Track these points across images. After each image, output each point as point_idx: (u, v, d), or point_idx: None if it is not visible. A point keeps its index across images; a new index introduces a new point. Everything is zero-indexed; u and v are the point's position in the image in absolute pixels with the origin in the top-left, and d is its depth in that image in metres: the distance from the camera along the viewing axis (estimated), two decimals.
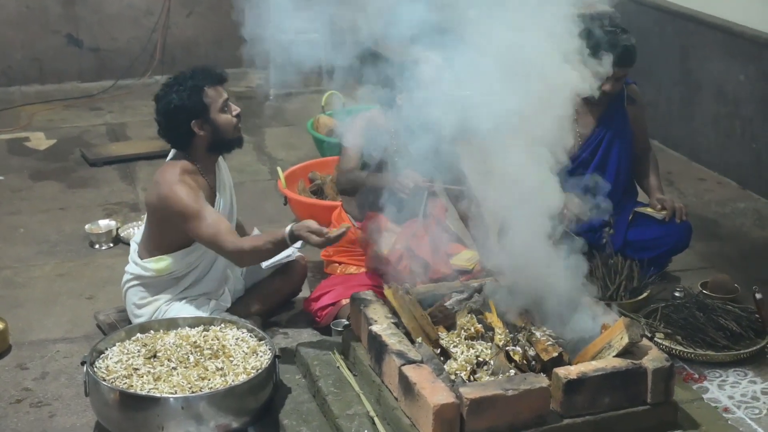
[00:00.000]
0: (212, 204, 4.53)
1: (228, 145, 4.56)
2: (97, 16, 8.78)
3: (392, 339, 3.77)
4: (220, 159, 4.66)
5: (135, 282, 4.59)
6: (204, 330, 4.26)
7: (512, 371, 3.70)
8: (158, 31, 8.90)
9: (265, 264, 4.82)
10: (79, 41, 8.79)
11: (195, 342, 4.14)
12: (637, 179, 5.49)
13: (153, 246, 4.54)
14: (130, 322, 4.58)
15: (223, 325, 4.27)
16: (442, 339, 3.89)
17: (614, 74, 4.97)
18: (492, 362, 3.76)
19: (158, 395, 3.80)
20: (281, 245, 4.34)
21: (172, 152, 4.59)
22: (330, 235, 4.23)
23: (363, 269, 4.85)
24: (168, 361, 4.02)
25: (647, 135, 5.53)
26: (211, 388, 3.86)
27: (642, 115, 5.43)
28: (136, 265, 4.58)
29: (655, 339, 4.57)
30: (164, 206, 4.39)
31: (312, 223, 4.28)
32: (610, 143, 5.23)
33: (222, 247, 4.34)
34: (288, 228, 4.29)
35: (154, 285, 4.57)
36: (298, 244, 4.46)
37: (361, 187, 4.85)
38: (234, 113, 4.52)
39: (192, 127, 4.41)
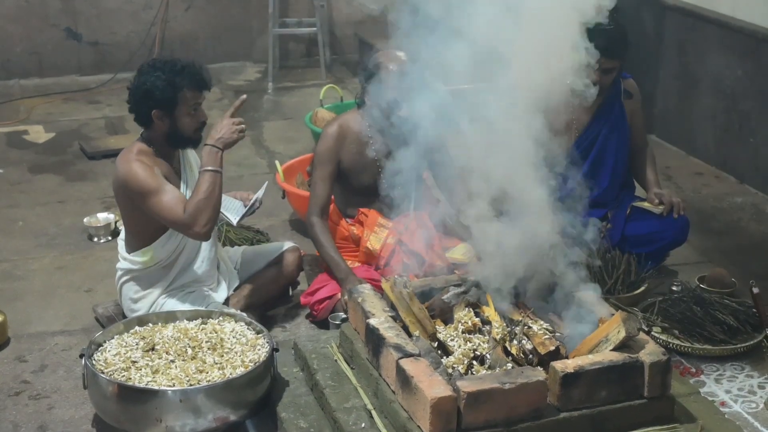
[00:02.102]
0: (179, 186, 4.56)
1: (183, 142, 4.59)
2: (96, 10, 8.80)
3: (390, 332, 3.77)
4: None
5: (127, 277, 4.61)
6: (202, 323, 4.27)
7: (509, 365, 3.71)
8: (157, 25, 8.91)
9: (234, 221, 4.82)
10: (78, 35, 8.80)
11: (193, 335, 4.15)
12: (634, 174, 5.49)
13: (134, 238, 4.56)
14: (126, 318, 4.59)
15: (221, 318, 4.28)
16: (440, 332, 3.90)
17: (601, 65, 4.96)
18: (489, 356, 3.77)
19: (156, 388, 3.81)
20: (212, 165, 4.41)
21: (141, 132, 4.63)
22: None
23: (358, 263, 4.87)
24: (166, 353, 4.02)
25: (644, 130, 5.52)
26: (209, 381, 3.87)
27: (639, 109, 5.42)
28: (124, 260, 4.61)
29: (652, 333, 4.59)
30: (124, 187, 4.44)
31: (225, 123, 4.49)
32: (606, 137, 5.23)
33: (173, 221, 4.37)
34: (204, 172, 4.40)
35: (145, 277, 4.58)
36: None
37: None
38: (200, 120, 4.55)
39: (152, 115, 4.45)
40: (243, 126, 4.54)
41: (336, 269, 4.72)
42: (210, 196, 4.36)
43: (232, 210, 4.85)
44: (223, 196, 4.81)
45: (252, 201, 4.83)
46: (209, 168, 4.40)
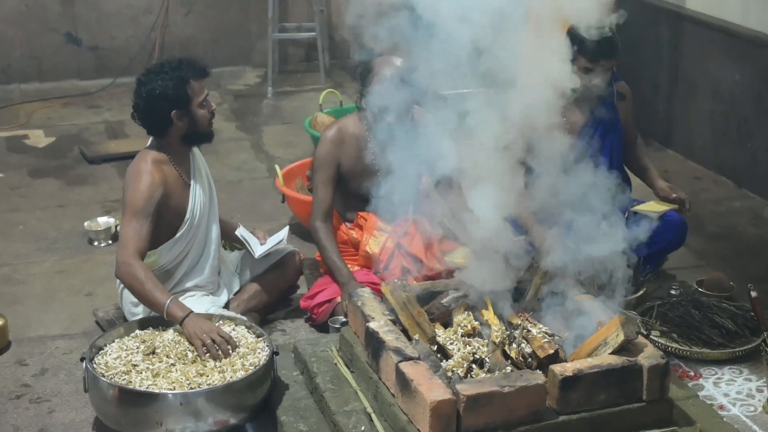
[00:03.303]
0: (187, 193, 4.57)
1: (201, 139, 4.61)
2: (96, 15, 8.80)
3: (389, 336, 3.78)
4: (194, 147, 4.70)
5: None
6: None
7: (508, 368, 3.72)
8: (157, 30, 8.92)
9: (257, 252, 4.83)
10: (78, 39, 8.80)
11: None
12: (628, 165, 5.47)
13: None
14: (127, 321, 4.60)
15: (221, 321, 4.28)
16: (439, 336, 3.91)
17: (601, 66, 4.98)
18: (488, 359, 3.78)
19: (157, 391, 3.82)
20: (155, 306, 4.21)
21: (150, 140, 4.62)
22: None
23: (357, 267, 4.88)
24: (167, 357, 4.03)
25: (635, 127, 5.53)
26: (210, 384, 3.88)
27: (631, 110, 5.44)
28: None
29: (651, 336, 4.60)
30: (124, 190, 4.45)
31: (212, 329, 4.11)
32: (601, 139, 5.23)
33: (121, 250, 4.31)
34: (168, 303, 4.17)
35: None
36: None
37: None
38: (210, 110, 4.57)
39: (171, 116, 4.45)
40: (211, 350, 4.05)
41: (338, 274, 4.73)
42: (138, 290, 4.25)
43: (254, 242, 4.87)
44: (244, 230, 4.90)
45: (274, 243, 4.87)
46: (165, 303, 4.17)
